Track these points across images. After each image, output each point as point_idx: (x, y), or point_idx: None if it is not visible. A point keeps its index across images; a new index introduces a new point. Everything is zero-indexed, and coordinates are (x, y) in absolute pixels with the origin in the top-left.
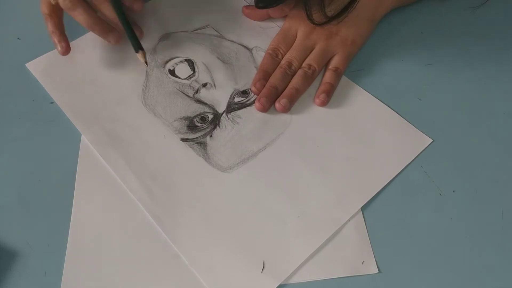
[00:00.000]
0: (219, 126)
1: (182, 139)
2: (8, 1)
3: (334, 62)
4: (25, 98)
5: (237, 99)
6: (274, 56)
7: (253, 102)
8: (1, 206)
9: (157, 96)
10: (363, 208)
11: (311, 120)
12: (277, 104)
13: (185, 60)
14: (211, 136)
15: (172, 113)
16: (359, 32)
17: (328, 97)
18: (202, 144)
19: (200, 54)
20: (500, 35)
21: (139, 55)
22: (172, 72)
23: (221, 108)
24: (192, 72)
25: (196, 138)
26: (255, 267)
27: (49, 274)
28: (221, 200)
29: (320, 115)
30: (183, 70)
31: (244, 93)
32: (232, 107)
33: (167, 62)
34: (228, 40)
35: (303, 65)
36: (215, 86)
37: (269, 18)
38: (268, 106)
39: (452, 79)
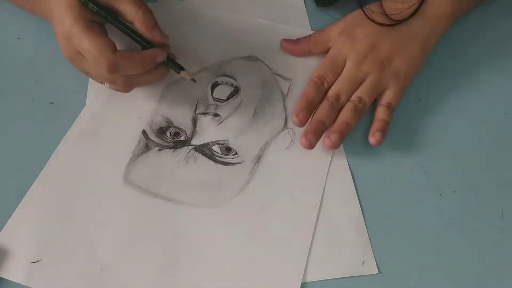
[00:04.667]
0: (175, 149)
1: (143, 132)
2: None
3: (387, 97)
4: (25, 98)
5: (215, 148)
6: (320, 84)
7: (226, 163)
8: (1, 206)
9: (177, 95)
10: (363, 208)
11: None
12: (326, 140)
13: (234, 87)
14: (159, 150)
15: (171, 106)
16: (413, 64)
17: (384, 135)
18: (143, 151)
19: (250, 92)
20: (500, 35)
21: (184, 74)
22: (213, 85)
23: (197, 141)
24: (224, 99)
25: (152, 141)
26: None
27: None
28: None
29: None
30: (221, 91)
31: (228, 150)
32: (203, 150)
33: (220, 75)
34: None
35: (353, 97)
36: (218, 124)
37: (309, 55)
38: (314, 143)
39: (452, 79)
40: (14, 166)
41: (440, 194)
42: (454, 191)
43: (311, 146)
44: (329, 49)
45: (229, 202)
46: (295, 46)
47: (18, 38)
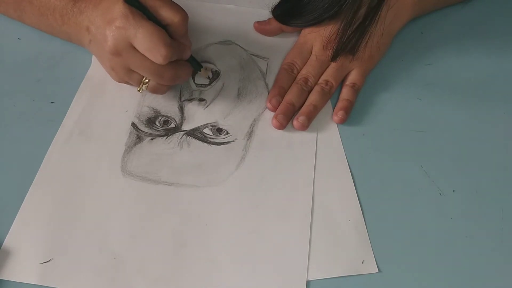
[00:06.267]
0: (167, 136)
1: (132, 124)
2: None
3: (351, 78)
4: (25, 98)
5: (206, 131)
6: (290, 71)
7: (219, 143)
8: (1, 206)
9: None
10: (363, 208)
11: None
12: (295, 122)
13: (214, 71)
14: (152, 139)
15: (156, 97)
16: (376, 47)
17: (347, 114)
18: (136, 142)
19: (230, 74)
20: (500, 35)
21: (203, 71)
22: (193, 72)
23: (188, 127)
24: (207, 84)
25: (143, 131)
26: None
27: None
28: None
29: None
30: (202, 77)
31: (219, 131)
32: (194, 134)
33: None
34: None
35: (320, 81)
36: (205, 108)
37: (282, 33)
38: (285, 123)
39: (452, 79)
40: (14, 166)
41: (440, 194)
42: (454, 191)
43: (281, 126)
44: (300, 27)
45: (229, 179)
46: (267, 27)
47: (18, 38)
